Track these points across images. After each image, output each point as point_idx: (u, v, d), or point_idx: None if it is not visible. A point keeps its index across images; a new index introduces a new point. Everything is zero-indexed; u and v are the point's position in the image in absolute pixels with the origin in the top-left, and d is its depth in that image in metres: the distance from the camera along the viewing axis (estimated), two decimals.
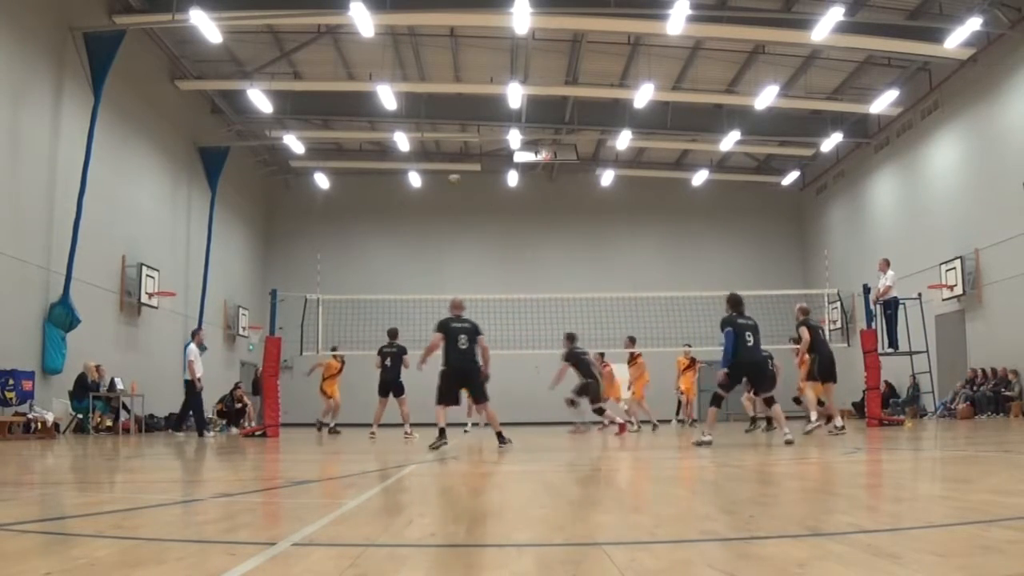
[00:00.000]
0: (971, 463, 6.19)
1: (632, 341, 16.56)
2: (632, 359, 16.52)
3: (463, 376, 9.80)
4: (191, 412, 15.42)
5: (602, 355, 15.53)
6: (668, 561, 2.42)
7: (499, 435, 9.58)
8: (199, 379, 14.92)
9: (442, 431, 9.49)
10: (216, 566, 2.33)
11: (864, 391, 15.52)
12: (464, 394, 10.26)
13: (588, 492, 4.83)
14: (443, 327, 9.80)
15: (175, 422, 15.69)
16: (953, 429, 12.74)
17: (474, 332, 9.80)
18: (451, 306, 10.15)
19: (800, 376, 12.64)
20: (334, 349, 16.57)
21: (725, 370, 9.23)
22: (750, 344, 9.27)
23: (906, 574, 2.07)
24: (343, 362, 16.71)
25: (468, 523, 3.28)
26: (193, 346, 15.19)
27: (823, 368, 11.47)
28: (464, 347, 9.66)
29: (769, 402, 9.83)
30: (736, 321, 9.27)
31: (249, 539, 2.99)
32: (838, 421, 11.17)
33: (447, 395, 9.78)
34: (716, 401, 9.44)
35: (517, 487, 5.24)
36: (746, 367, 9.30)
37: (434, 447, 9.05)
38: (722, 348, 9.33)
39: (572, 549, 2.66)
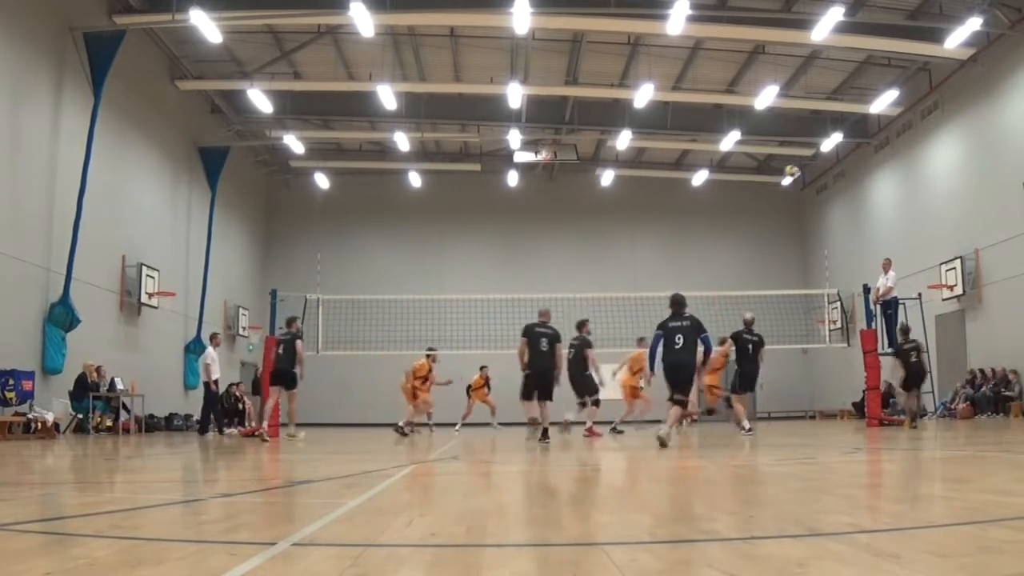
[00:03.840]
0: (971, 463, 6.18)
1: (642, 341, 16.30)
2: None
3: None
4: (212, 412, 15.89)
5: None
6: (668, 561, 2.42)
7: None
8: (215, 381, 15.55)
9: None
10: (216, 566, 2.33)
11: (864, 391, 15.52)
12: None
13: (588, 492, 4.82)
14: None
15: (200, 424, 15.97)
16: (953, 429, 12.74)
17: None
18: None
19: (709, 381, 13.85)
20: (431, 349, 16.59)
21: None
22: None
23: (906, 574, 2.07)
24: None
25: (468, 523, 3.28)
26: (211, 350, 15.87)
27: (744, 381, 12.18)
28: None
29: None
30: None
31: (249, 539, 2.99)
32: (745, 423, 11.74)
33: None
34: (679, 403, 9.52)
35: (517, 487, 5.24)
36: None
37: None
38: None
39: (572, 549, 2.65)
